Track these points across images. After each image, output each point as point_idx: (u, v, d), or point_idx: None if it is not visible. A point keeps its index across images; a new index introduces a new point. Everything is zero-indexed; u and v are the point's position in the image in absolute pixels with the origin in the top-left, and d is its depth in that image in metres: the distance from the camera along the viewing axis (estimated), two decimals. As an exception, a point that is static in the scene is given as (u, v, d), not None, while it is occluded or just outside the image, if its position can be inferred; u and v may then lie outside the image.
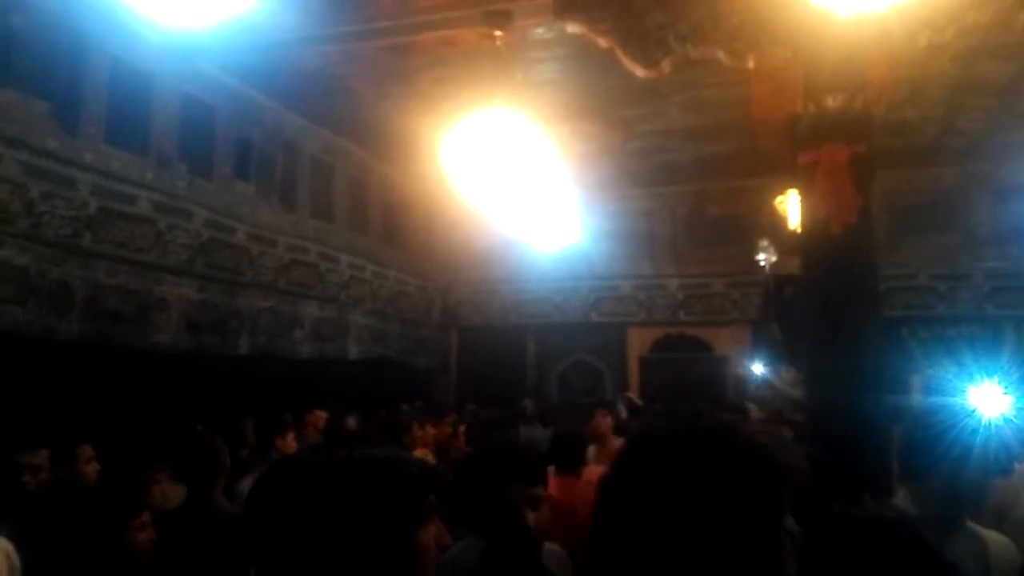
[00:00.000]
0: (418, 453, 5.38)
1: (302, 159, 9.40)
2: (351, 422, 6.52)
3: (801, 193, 4.78)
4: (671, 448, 1.10)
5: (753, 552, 1.01)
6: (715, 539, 1.00)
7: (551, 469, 4.20)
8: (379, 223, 11.08)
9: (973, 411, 4.44)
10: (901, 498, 2.55)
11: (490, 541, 2.32)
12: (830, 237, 4.46)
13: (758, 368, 10.28)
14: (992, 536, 2.32)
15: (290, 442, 4.91)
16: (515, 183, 6.00)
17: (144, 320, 6.92)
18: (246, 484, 4.01)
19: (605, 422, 6.05)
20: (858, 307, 4.40)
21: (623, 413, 8.47)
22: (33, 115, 6.00)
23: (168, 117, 7.31)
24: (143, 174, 6.98)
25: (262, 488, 2.23)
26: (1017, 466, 4.12)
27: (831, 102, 4.46)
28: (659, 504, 1.03)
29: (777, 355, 9.65)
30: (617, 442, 5.87)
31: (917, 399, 7.51)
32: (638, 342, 12.20)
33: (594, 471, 4.77)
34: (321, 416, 6.82)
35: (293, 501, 2.12)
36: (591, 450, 5.52)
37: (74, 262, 6.27)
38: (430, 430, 6.73)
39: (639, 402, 9.72)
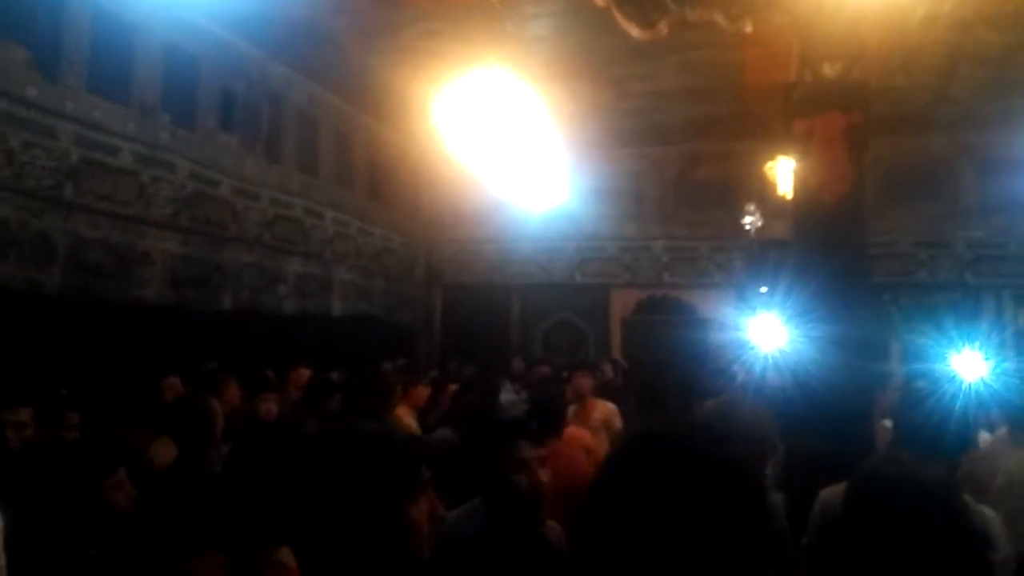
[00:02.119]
0: (398, 412, 5.37)
1: (287, 112, 9.25)
2: (334, 379, 6.49)
3: (795, 160, 4.76)
4: (650, 455, 1.11)
5: (726, 557, 1.03)
6: (694, 543, 1.02)
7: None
8: (365, 179, 10.97)
9: (954, 377, 4.49)
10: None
11: (489, 506, 2.33)
12: (822, 206, 4.46)
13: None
14: (981, 510, 2.35)
15: (271, 405, 4.87)
16: (504, 142, 5.93)
17: (127, 274, 6.84)
18: (226, 448, 3.99)
19: (586, 383, 6.07)
20: (848, 276, 4.41)
21: (608, 373, 8.52)
22: (12, 62, 5.85)
23: (151, 66, 7.15)
24: (125, 125, 6.84)
25: (242, 459, 2.21)
26: (996, 433, 4.19)
27: (828, 70, 4.42)
28: (638, 509, 1.05)
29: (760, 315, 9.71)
30: (597, 403, 5.90)
31: (898, 366, 7.60)
32: (622, 303, 12.24)
33: (573, 433, 4.81)
34: (304, 373, 6.78)
35: (276, 475, 2.10)
36: (571, 410, 5.55)
37: (55, 214, 6.17)
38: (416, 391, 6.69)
39: (623, 363, 9.79)
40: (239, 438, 2.41)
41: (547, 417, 4.30)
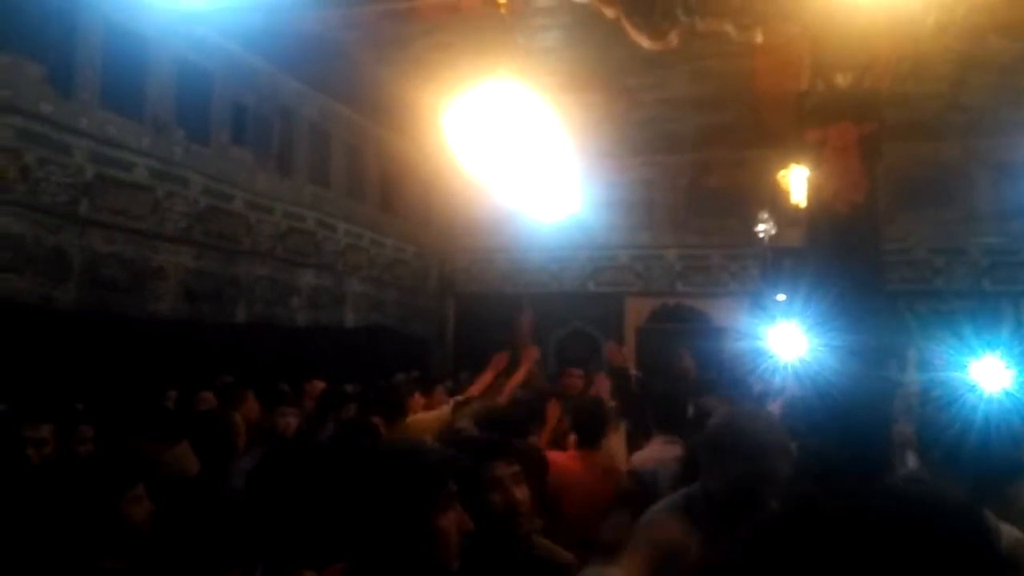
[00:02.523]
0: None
1: (299, 125, 9.30)
2: (348, 391, 6.49)
3: (808, 170, 4.74)
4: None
5: None
6: None
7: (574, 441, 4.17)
8: (376, 190, 11.00)
9: (970, 389, 4.44)
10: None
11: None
12: (836, 215, 4.43)
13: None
14: (1004, 529, 2.32)
15: (289, 419, 4.88)
16: (516, 153, 5.93)
17: (142, 288, 6.88)
18: (247, 461, 3.99)
19: (604, 386, 6.04)
20: (864, 285, 4.39)
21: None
22: (26, 78, 5.90)
23: (164, 82, 7.20)
24: (139, 140, 6.90)
25: (269, 476, 2.22)
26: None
27: (840, 80, 4.40)
28: None
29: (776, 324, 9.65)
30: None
31: (915, 375, 7.53)
32: (636, 312, 12.20)
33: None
34: (318, 386, 6.79)
35: (303, 493, 2.12)
36: None
37: (71, 230, 6.22)
38: (420, 400, 6.65)
39: (633, 371, 9.73)
40: (265, 455, 2.41)
41: (586, 428, 4.19)
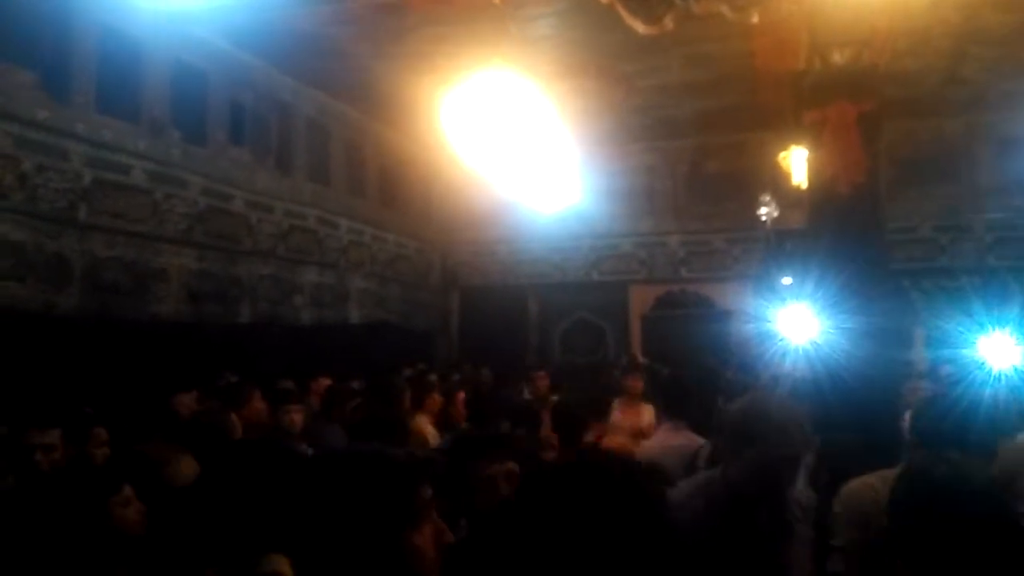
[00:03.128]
0: (417, 420, 5.35)
1: (297, 122, 9.27)
2: (355, 387, 6.47)
3: (808, 151, 4.71)
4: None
5: None
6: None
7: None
8: (376, 186, 10.97)
9: (978, 367, 4.41)
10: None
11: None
12: (838, 196, 4.42)
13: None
14: None
15: (294, 416, 4.87)
16: (514, 143, 5.90)
17: (144, 291, 6.87)
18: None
19: (637, 385, 5.99)
20: (868, 265, 4.36)
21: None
22: (21, 85, 5.88)
23: (159, 83, 7.18)
24: (136, 143, 6.88)
25: (226, 478, 2.17)
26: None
27: (838, 57, 4.37)
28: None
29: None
30: (644, 407, 5.78)
31: (922, 353, 7.50)
32: (640, 300, 12.17)
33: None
34: (324, 383, 6.79)
35: (263, 496, 2.04)
36: (616, 414, 5.50)
37: (71, 235, 6.20)
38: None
39: (642, 360, 9.72)
40: (222, 455, 2.38)
41: (568, 428, 4.19)
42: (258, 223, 8.44)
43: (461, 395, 6.50)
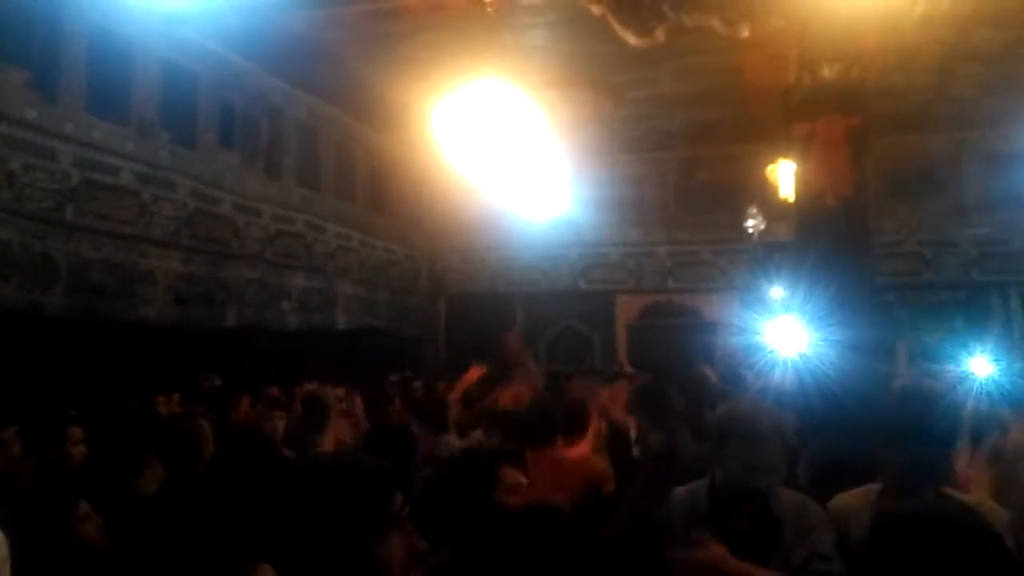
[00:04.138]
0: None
1: (287, 126, 9.25)
2: (338, 392, 6.42)
3: (796, 164, 4.74)
4: None
5: None
6: None
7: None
8: (366, 191, 10.96)
9: (961, 380, 4.43)
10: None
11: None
12: (825, 209, 4.44)
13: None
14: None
15: (277, 422, 4.82)
16: (504, 152, 5.90)
17: (130, 293, 6.84)
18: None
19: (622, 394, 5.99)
20: (853, 279, 4.39)
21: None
22: (10, 84, 5.86)
23: (149, 85, 7.15)
24: (125, 144, 6.85)
25: (194, 488, 2.15)
26: (1011, 435, 4.14)
27: (827, 72, 4.40)
28: None
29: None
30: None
31: (906, 366, 7.56)
32: (627, 309, 12.20)
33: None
34: (310, 389, 6.76)
35: (238, 505, 2.03)
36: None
37: (57, 235, 6.17)
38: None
39: (628, 369, 9.72)
40: (209, 463, 2.37)
41: (539, 428, 4.22)
42: (246, 226, 8.41)
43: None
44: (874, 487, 2.48)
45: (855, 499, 2.53)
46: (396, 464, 1.53)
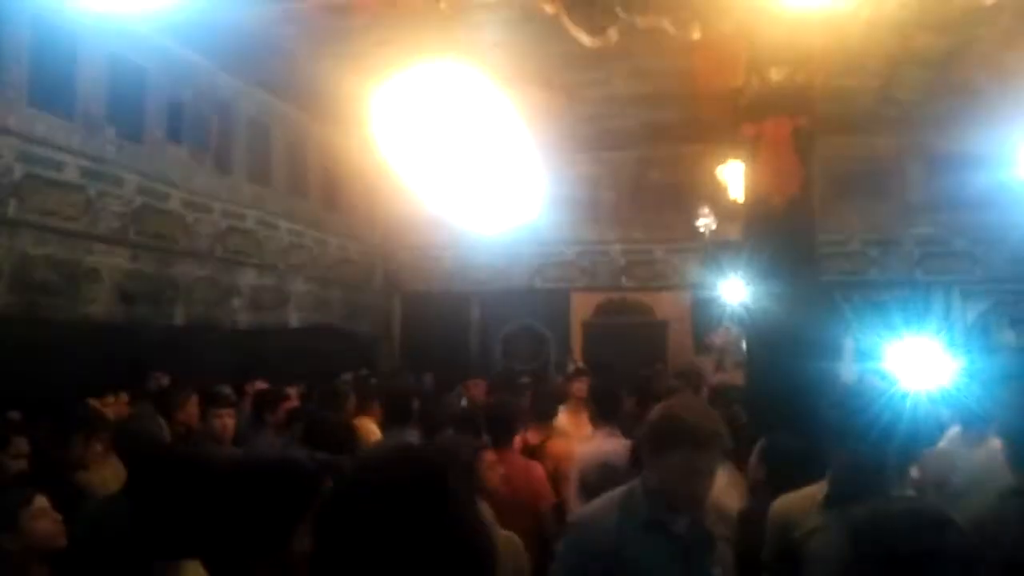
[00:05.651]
0: (364, 422, 5.36)
1: (237, 122, 9.13)
2: (292, 393, 6.37)
3: (744, 164, 4.82)
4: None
5: None
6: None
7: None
8: (319, 188, 10.86)
9: (902, 379, 4.55)
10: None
11: None
12: (772, 208, 4.53)
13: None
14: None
15: (226, 420, 4.77)
16: (455, 151, 5.86)
17: (74, 291, 6.70)
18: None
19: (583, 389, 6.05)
20: (799, 277, 4.48)
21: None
22: (-51, 76, 5.70)
23: (95, 79, 7.01)
24: (70, 138, 6.70)
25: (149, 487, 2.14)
26: (948, 433, 4.26)
27: (774, 75, 4.49)
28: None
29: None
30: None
31: (849, 366, 7.71)
32: (581, 307, 12.28)
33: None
34: (260, 387, 6.68)
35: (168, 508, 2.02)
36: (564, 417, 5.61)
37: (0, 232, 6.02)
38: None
39: (581, 366, 9.79)
40: (135, 461, 2.34)
41: (499, 427, 4.28)
42: (195, 223, 8.29)
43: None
44: (818, 489, 2.50)
45: (799, 501, 2.57)
46: (332, 456, 1.53)
